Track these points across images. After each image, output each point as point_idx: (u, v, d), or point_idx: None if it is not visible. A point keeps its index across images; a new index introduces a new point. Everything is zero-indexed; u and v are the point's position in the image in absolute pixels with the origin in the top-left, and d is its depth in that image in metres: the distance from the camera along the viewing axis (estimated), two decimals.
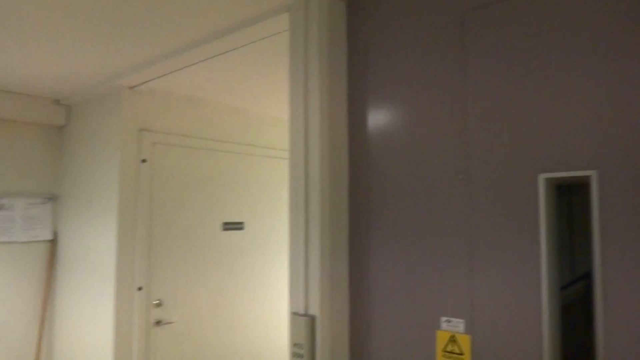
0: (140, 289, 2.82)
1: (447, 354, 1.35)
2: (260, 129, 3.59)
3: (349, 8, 1.64)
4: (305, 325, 1.48)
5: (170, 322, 2.97)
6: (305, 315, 1.50)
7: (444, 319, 1.37)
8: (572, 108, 1.18)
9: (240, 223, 3.39)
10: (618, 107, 1.12)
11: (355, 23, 1.62)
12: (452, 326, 1.35)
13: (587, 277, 1.23)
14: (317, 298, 1.49)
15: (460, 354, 1.33)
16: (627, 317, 1.08)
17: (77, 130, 3.18)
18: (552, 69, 1.22)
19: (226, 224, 3.30)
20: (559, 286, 1.27)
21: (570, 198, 1.36)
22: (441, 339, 1.37)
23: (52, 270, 3.25)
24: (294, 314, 1.52)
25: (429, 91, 1.43)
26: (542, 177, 1.22)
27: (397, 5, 1.51)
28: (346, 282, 1.57)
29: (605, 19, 1.14)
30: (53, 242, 3.26)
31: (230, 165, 3.36)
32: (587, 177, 1.16)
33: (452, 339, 1.35)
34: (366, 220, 1.55)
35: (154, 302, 2.89)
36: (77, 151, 3.16)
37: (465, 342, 1.33)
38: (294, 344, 1.51)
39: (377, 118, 1.54)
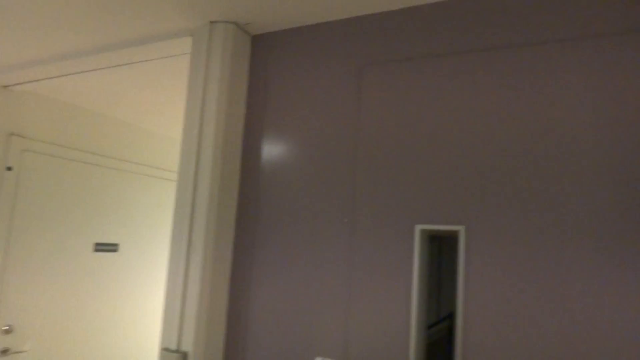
0: None
1: None
2: (146, 147, 3.42)
3: (254, 42, 1.65)
4: None
5: (19, 352, 2.63)
6: (177, 351, 1.42)
7: (318, 359, 1.38)
8: (447, 169, 1.30)
9: (115, 245, 3.15)
10: (483, 170, 1.25)
11: (259, 58, 1.63)
12: None
13: (451, 317, 1.34)
14: (192, 333, 1.42)
15: None
16: (484, 355, 1.19)
17: None
18: (435, 128, 1.33)
19: (99, 244, 3.05)
20: (426, 325, 1.37)
21: (440, 247, 1.48)
22: None
23: None
24: (165, 350, 1.44)
25: (323, 132, 1.48)
26: (418, 228, 1.31)
27: (302, 48, 1.56)
28: (224, 316, 1.52)
29: (462, 85, 1.29)
30: None
31: (109, 182, 3.14)
32: (456, 231, 1.28)
33: None
34: (251, 252, 1.53)
35: (2, 328, 2.55)
36: None
37: None
38: None
39: (272, 152, 1.55)
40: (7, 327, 2.56)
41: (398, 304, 1.31)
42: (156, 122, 3.17)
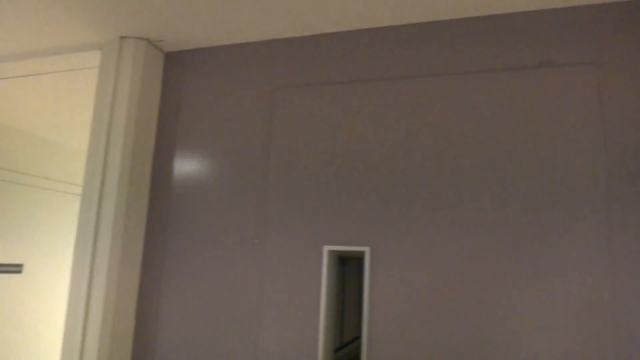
0: None
1: None
2: (53, 160, 3.23)
3: (167, 59, 1.63)
4: None
5: None
6: None
7: None
8: (354, 192, 1.35)
9: (19, 265, 2.93)
10: (387, 193, 1.31)
11: (173, 75, 1.61)
12: None
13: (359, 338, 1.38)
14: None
15: None
16: None
17: None
18: (344, 152, 1.38)
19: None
20: (333, 346, 1.40)
21: (350, 269, 1.53)
22: None
23: None
24: None
25: (236, 153, 1.48)
26: (326, 249, 1.35)
27: (216, 67, 1.56)
28: (131, 339, 1.47)
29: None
30: None
31: (9, 197, 2.92)
32: (362, 252, 1.33)
33: None
34: (160, 273, 1.49)
35: None
36: None
37: None
38: None
39: (184, 170, 1.53)
40: None
41: (307, 325, 1.33)
42: (65, 134, 3.01)
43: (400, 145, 1.33)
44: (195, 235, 1.48)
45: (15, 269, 2.91)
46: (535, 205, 1.20)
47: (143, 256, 1.52)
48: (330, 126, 1.40)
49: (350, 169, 1.36)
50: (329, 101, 1.42)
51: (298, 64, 1.47)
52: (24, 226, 2.99)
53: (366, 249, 1.32)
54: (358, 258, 1.43)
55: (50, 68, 1.78)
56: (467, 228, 1.23)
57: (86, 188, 1.47)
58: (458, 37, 1.34)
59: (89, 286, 1.39)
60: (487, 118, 1.27)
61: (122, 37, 1.51)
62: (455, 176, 1.27)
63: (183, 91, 1.59)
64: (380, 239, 1.31)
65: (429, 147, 1.30)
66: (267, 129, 1.46)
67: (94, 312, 1.37)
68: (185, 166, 1.54)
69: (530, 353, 1.14)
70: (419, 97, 1.34)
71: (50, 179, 3.17)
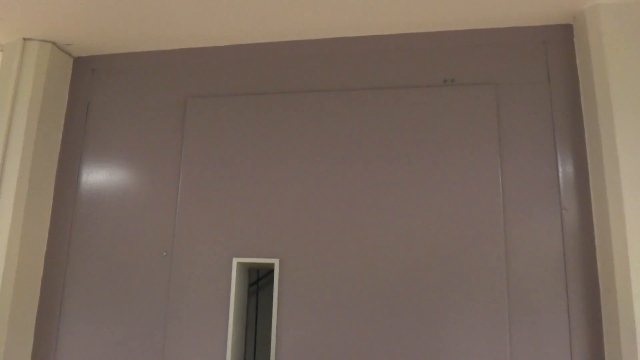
0: None
1: None
2: None
3: (76, 63, 1.56)
4: None
5: None
6: None
7: None
8: (265, 204, 1.34)
9: None
10: (297, 209, 1.32)
11: (82, 80, 1.54)
12: None
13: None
14: None
15: None
16: None
17: None
18: (254, 164, 1.37)
19: None
20: (243, 353, 1.37)
21: (261, 283, 1.51)
22: None
23: None
24: None
25: (146, 164, 1.44)
26: (235, 261, 1.33)
27: (129, 73, 1.51)
28: None
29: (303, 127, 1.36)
30: None
31: None
32: (272, 264, 1.32)
33: None
34: (59, 294, 1.41)
35: None
36: None
37: None
38: None
39: (90, 179, 1.46)
40: None
41: (215, 340, 1.29)
42: None
43: (307, 156, 1.34)
44: (100, 247, 1.41)
45: None
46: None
47: (42, 277, 1.44)
48: (242, 136, 1.39)
49: (261, 180, 1.36)
50: (240, 112, 1.41)
51: (210, 74, 1.46)
52: None
53: (275, 261, 1.31)
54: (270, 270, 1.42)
55: None
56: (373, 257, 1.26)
57: None
58: (366, 54, 1.38)
59: None
60: (392, 132, 1.31)
61: (25, 39, 1.44)
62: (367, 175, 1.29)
63: (92, 96, 1.53)
64: (289, 251, 1.31)
65: (336, 158, 1.32)
66: (178, 138, 1.43)
67: None
68: (92, 174, 1.47)
69: None
70: (324, 110, 1.36)
71: None
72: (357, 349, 1.21)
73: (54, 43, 1.46)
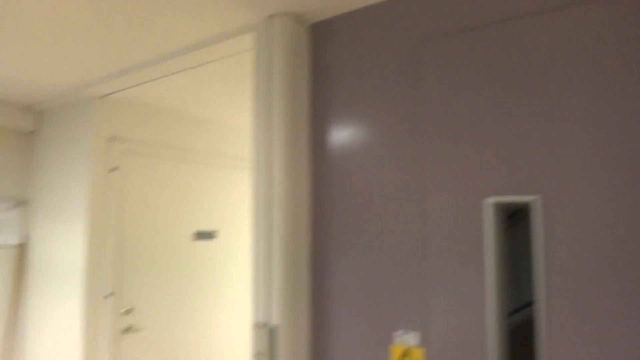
0: (109, 295, 2.83)
1: None
2: (231, 140, 3.62)
3: (312, 31, 1.69)
4: (266, 335, 1.53)
5: (139, 329, 2.98)
6: (267, 325, 1.55)
7: (398, 332, 1.43)
8: (519, 135, 1.26)
9: (211, 232, 3.41)
10: (561, 134, 1.20)
11: (318, 46, 1.68)
12: (407, 339, 1.42)
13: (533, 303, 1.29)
14: (278, 310, 1.54)
15: None
16: (567, 342, 1.17)
17: (47, 137, 3.16)
18: (502, 97, 1.30)
19: (197, 233, 3.33)
20: (505, 307, 1.32)
21: (522, 226, 1.43)
22: (395, 352, 1.44)
23: (21, 275, 3.22)
24: (256, 325, 1.57)
25: (387, 113, 1.50)
26: (488, 202, 1.30)
27: (357, 31, 1.58)
28: (307, 295, 1.62)
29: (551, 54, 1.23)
30: (22, 247, 3.23)
31: (199, 175, 3.38)
32: (531, 202, 1.24)
33: (406, 352, 1.42)
34: (327, 235, 1.61)
35: (124, 309, 2.90)
36: (47, 157, 3.14)
37: (418, 355, 1.40)
38: (256, 353, 1.56)
39: (339, 137, 1.60)
40: (127, 309, 2.91)
41: (474, 288, 1.30)
42: (235, 117, 3.34)
43: (573, 83, 1.20)
44: (353, 196, 1.55)
45: (209, 235, 3.40)
46: None
47: (312, 223, 1.65)
48: (485, 70, 1.32)
49: (510, 112, 1.27)
50: (476, 47, 1.33)
51: (441, 13, 1.41)
52: (214, 200, 3.46)
53: (535, 198, 1.23)
54: (523, 212, 1.34)
55: (212, 57, 1.99)
56: None
57: (255, 163, 1.64)
58: None
59: (269, 243, 1.57)
60: None
61: (269, 16, 1.62)
62: None
63: (331, 60, 1.64)
64: (553, 185, 1.21)
65: (612, 83, 1.15)
66: (416, 83, 1.44)
67: (275, 265, 1.55)
68: (339, 134, 1.60)
69: None
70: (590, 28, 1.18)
71: (227, 157, 3.58)
72: None
73: (292, 15, 1.61)
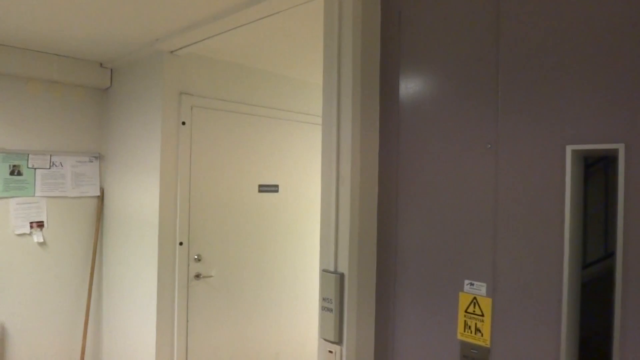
0: (181, 244, 2.99)
1: (468, 314, 1.43)
2: (295, 95, 3.64)
3: None
4: (334, 281, 1.58)
5: (209, 276, 3.16)
6: (334, 272, 1.59)
7: (467, 282, 1.43)
8: (600, 80, 1.19)
9: (276, 186, 3.50)
10: None
11: None
12: (475, 289, 1.42)
13: (612, 255, 1.24)
14: (346, 257, 1.58)
15: (481, 315, 1.40)
16: None
17: (120, 93, 3.32)
18: (586, 43, 1.22)
19: (262, 186, 3.42)
20: (581, 261, 1.28)
21: (602, 176, 1.36)
22: (464, 300, 1.44)
23: (100, 224, 3.47)
24: (324, 271, 1.62)
25: (461, 64, 1.45)
26: (569, 149, 1.24)
27: None
28: (374, 242, 1.65)
29: None
30: (100, 198, 3.47)
31: (266, 130, 3.45)
32: (614, 150, 1.18)
33: (474, 301, 1.42)
34: (395, 182, 1.61)
35: (194, 257, 3.07)
36: (120, 112, 3.30)
37: (486, 304, 1.40)
38: (324, 299, 1.61)
39: (409, 86, 1.57)
40: (197, 256, 3.08)
41: (549, 238, 1.26)
42: (302, 71, 3.34)
43: None
44: (425, 145, 1.53)
45: (274, 189, 3.50)
46: None
47: (379, 170, 1.65)
48: (563, 19, 1.24)
49: (597, 50, 1.20)
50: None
51: None
52: (278, 154, 3.53)
53: (619, 146, 1.17)
54: (603, 161, 1.27)
55: (281, 6, 1.99)
56: None
57: (325, 117, 1.65)
58: None
59: (337, 193, 1.59)
60: None
61: None
62: None
63: (402, 5, 1.60)
64: (636, 133, 1.14)
65: None
66: (493, 24, 1.38)
67: (343, 214, 1.58)
68: (411, 79, 1.57)
69: None
70: None
71: (293, 111, 3.61)
72: None
73: None
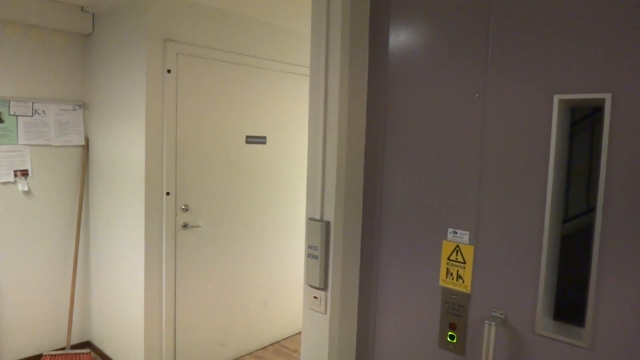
0: (168, 194, 2.99)
1: (450, 262, 1.46)
2: (285, 45, 3.55)
3: None
4: (320, 229, 1.60)
5: (196, 226, 3.18)
6: (320, 220, 1.61)
7: (450, 230, 1.46)
8: (589, 30, 1.17)
9: (263, 137, 3.48)
10: (636, 28, 1.11)
11: None
12: (458, 237, 1.45)
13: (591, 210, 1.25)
14: (332, 205, 1.59)
15: (463, 262, 1.44)
16: (621, 251, 1.15)
17: (103, 39, 3.21)
18: None
19: (249, 137, 3.39)
20: (562, 211, 1.30)
21: (589, 131, 1.37)
22: (447, 248, 1.47)
23: (85, 174, 3.44)
24: (311, 219, 1.64)
25: (452, 11, 1.41)
26: (557, 98, 1.24)
27: None
28: (360, 190, 1.66)
29: None
30: (85, 147, 3.42)
31: (254, 80, 3.38)
32: (601, 100, 1.17)
33: (457, 249, 1.46)
34: (382, 132, 1.60)
35: (181, 207, 3.07)
36: (104, 59, 3.21)
37: (468, 252, 1.43)
38: (309, 246, 1.63)
39: (399, 36, 1.54)
40: (184, 206, 3.08)
41: (533, 190, 1.28)
42: (291, 20, 3.25)
43: None
44: (413, 95, 1.52)
45: (261, 140, 3.47)
46: None
47: (367, 120, 1.64)
48: None
49: (587, 0, 1.18)
50: None
51: None
52: (265, 105, 3.48)
53: (607, 96, 1.17)
54: (590, 118, 1.27)
55: None
56: None
57: (313, 65, 1.61)
58: None
59: (324, 142, 1.59)
60: None
61: None
62: None
63: None
64: (626, 82, 1.14)
65: None
66: None
67: (330, 163, 1.58)
68: (401, 29, 1.54)
69: None
70: None
71: (282, 62, 3.54)
72: None
73: None
